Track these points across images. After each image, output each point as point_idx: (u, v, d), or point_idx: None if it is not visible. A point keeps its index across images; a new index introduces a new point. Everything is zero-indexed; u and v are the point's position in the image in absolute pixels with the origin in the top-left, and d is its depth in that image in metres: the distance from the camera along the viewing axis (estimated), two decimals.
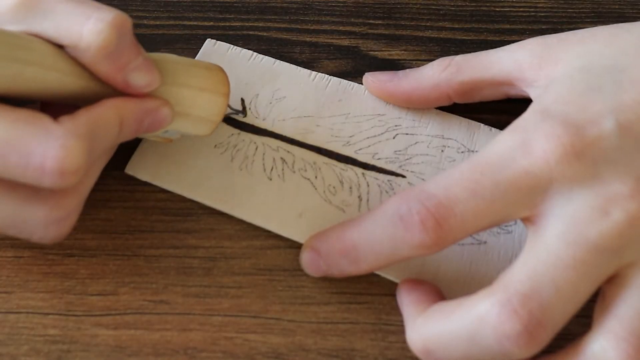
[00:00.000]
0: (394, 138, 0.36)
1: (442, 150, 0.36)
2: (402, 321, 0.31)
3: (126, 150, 0.35)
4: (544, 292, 0.26)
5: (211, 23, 0.40)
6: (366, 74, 0.37)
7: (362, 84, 0.38)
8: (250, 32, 0.40)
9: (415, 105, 0.36)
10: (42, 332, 0.31)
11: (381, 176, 0.35)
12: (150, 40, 0.39)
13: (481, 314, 0.26)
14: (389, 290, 0.32)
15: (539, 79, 0.32)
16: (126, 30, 0.28)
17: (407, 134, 0.36)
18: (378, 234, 0.29)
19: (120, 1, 0.41)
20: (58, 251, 0.33)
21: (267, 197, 0.34)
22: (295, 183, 0.35)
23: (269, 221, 0.34)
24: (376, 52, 0.40)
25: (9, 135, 0.26)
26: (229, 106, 0.35)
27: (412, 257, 0.29)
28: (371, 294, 0.32)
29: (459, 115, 0.37)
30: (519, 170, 0.27)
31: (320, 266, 0.31)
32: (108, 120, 0.28)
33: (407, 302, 0.30)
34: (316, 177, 0.35)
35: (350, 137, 0.36)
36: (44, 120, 0.27)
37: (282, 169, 0.35)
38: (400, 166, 0.35)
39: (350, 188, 0.35)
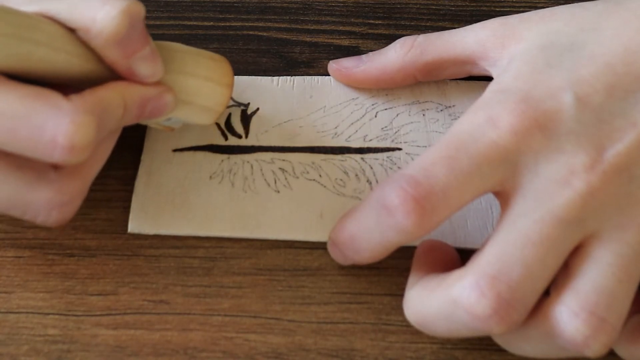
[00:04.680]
0: (375, 116, 0.37)
1: (424, 114, 0.37)
2: (402, 321, 0.31)
3: (126, 145, 0.35)
4: (513, 272, 0.26)
5: (211, 23, 0.40)
6: (330, 62, 0.38)
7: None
8: (250, 32, 0.40)
9: (382, 87, 0.37)
10: (42, 332, 0.31)
11: (379, 155, 0.36)
12: None
13: (454, 297, 0.27)
14: (389, 290, 0.32)
15: (501, 58, 0.32)
16: (139, 19, 0.28)
17: (386, 109, 0.37)
18: (367, 224, 0.29)
19: None
20: (58, 251, 0.33)
21: (282, 210, 0.34)
22: (303, 187, 0.35)
23: (294, 232, 0.33)
24: None
25: (21, 109, 0.26)
26: (232, 99, 0.35)
27: (403, 243, 0.29)
28: (371, 294, 0.32)
29: None
30: (489, 143, 0.28)
31: (340, 256, 0.32)
32: (113, 101, 0.29)
33: (412, 269, 0.31)
34: (320, 176, 0.35)
35: (336, 127, 0.36)
36: (55, 96, 0.27)
37: (286, 178, 0.35)
38: (393, 140, 0.36)
39: (357, 175, 0.35)
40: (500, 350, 0.31)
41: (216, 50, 0.39)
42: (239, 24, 0.40)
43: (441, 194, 0.27)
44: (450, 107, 0.37)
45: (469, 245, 0.33)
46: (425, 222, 0.27)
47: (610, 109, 0.28)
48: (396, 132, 0.36)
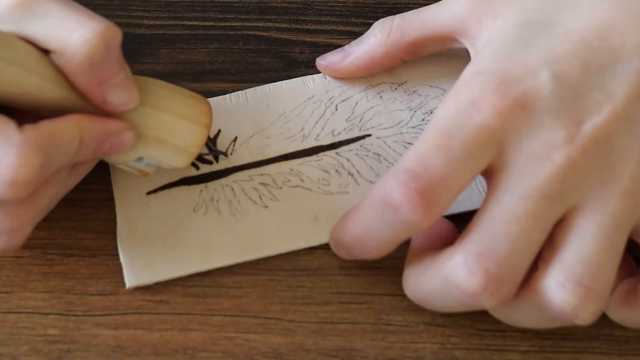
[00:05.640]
0: (336, 109, 0.37)
1: (381, 97, 0.37)
2: (402, 321, 0.31)
3: None
4: (500, 248, 0.27)
5: (211, 23, 0.40)
6: (317, 59, 0.38)
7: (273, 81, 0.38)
8: (250, 32, 0.40)
9: (372, 73, 0.38)
10: (42, 332, 0.31)
11: (352, 146, 0.36)
12: (150, 40, 0.39)
13: (445, 276, 0.28)
14: (389, 290, 0.32)
15: (479, 37, 0.32)
16: (114, 44, 0.28)
17: (344, 100, 0.37)
18: (373, 223, 0.29)
19: (120, 1, 0.41)
20: (58, 251, 0.33)
21: (276, 224, 0.34)
22: (289, 196, 0.34)
23: (293, 242, 0.33)
24: None
25: None
26: (212, 147, 0.35)
27: (411, 236, 0.30)
28: (371, 294, 0.32)
29: None
30: (476, 127, 0.28)
31: (345, 253, 0.32)
32: (68, 136, 0.28)
33: (409, 248, 0.32)
34: (302, 180, 0.35)
35: (302, 130, 0.36)
36: (7, 125, 0.26)
37: (269, 192, 0.34)
38: (360, 129, 0.36)
39: (337, 171, 0.35)
40: (500, 350, 0.31)
41: (216, 50, 0.39)
42: (239, 24, 0.40)
43: (442, 183, 0.28)
44: (402, 84, 0.38)
45: (460, 209, 0.33)
46: (431, 213, 0.28)
47: (588, 84, 0.29)
48: (361, 120, 0.36)
